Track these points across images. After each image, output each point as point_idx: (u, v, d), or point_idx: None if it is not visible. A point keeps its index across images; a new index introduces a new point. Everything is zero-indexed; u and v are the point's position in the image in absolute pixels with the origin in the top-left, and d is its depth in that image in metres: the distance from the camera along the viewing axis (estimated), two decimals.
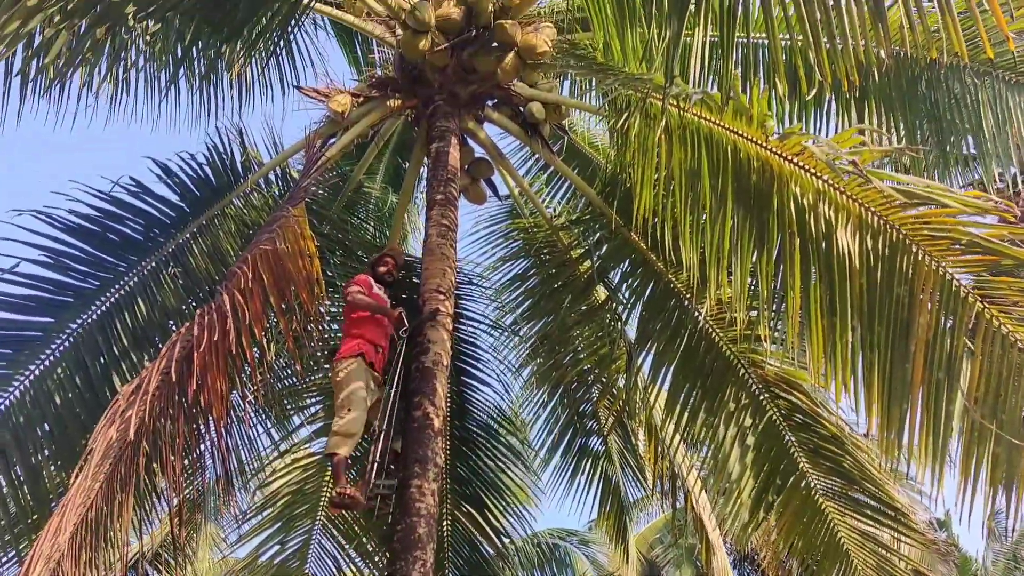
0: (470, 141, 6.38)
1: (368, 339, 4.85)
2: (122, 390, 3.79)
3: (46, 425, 5.19)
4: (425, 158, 5.90)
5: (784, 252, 4.16)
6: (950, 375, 3.40)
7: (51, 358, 5.22)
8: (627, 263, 6.39)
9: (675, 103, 4.31)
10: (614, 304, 6.55)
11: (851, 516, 5.84)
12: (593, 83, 6.33)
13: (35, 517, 5.26)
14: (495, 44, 5.65)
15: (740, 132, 4.23)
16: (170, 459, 4.13)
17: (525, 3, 5.60)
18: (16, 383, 5.12)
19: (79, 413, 5.30)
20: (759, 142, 4.25)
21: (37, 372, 5.20)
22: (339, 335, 6.33)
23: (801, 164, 3.90)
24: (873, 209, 3.63)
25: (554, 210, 7.04)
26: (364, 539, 6.76)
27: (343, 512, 6.72)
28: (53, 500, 5.32)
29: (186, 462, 4.79)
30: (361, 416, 4.53)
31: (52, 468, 5.25)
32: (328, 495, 6.68)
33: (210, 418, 4.33)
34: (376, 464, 4.42)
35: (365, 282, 5.18)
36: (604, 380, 7.17)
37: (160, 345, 5.51)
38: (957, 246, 3.46)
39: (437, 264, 4.96)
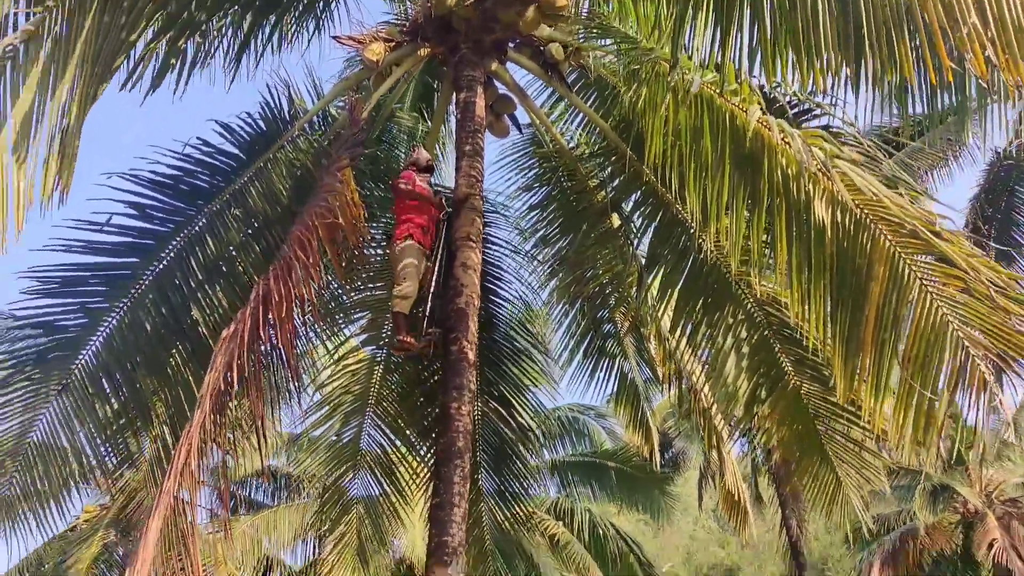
0: (494, 81, 6.88)
1: (416, 223, 5.90)
2: (224, 332, 4.68)
3: (140, 348, 6.15)
4: (452, 107, 6.44)
5: (773, 210, 4.80)
6: (894, 336, 4.12)
7: (139, 292, 6.10)
8: (639, 193, 7.03)
9: (680, 76, 4.83)
10: (627, 230, 7.24)
11: (827, 415, 6.74)
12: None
13: (134, 417, 6.34)
14: None
15: (737, 103, 4.78)
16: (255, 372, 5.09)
17: None
18: (113, 314, 6.03)
19: (164, 336, 6.25)
20: (747, 111, 4.80)
21: (129, 304, 6.11)
22: (379, 255, 7.29)
23: (786, 140, 4.48)
24: (845, 186, 4.23)
25: (573, 141, 7.58)
26: (407, 432, 7.83)
27: (387, 406, 7.87)
28: (150, 405, 6.41)
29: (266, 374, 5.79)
30: (415, 283, 5.70)
31: (146, 381, 6.27)
32: (376, 388, 7.82)
33: (281, 338, 5.27)
34: (427, 317, 5.71)
35: (409, 176, 6.15)
36: (620, 292, 7.96)
37: (228, 276, 6.45)
38: (903, 232, 4.08)
39: (467, 213, 5.66)
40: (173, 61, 4.61)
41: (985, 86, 3.72)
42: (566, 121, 7.66)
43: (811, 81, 4.09)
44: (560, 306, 8.12)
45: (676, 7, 4.71)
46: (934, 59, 3.34)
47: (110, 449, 6.37)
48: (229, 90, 6.22)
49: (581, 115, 7.30)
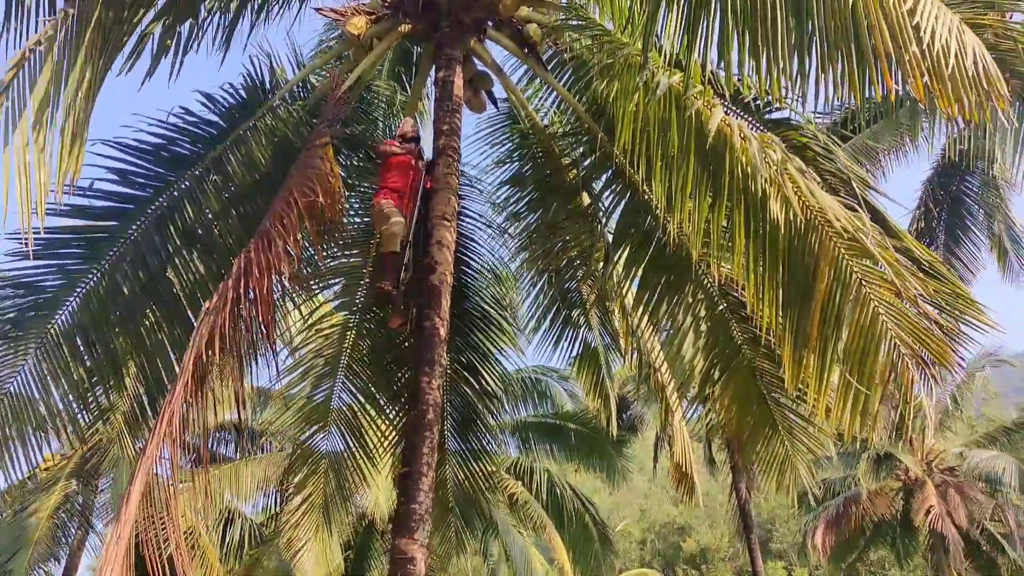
0: (473, 58, 7.02)
1: (393, 188, 6.23)
2: (207, 304, 4.87)
3: (116, 310, 6.29)
4: (431, 80, 6.58)
5: (733, 203, 5.08)
6: (836, 332, 4.46)
7: (117, 255, 6.22)
8: (609, 174, 7.26)
9: (650, 75, 5.04)
10: (596, 208, 7.49)
11: (778, 392, 7.14)
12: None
13: (108, 377, 6.52)
14: None
15: (702, 102, 5.01)
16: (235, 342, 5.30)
17: None
18: (92, 275, 6.15)
19: (140, 298, 6.39)
20: (711, 108, 5.05)
21: (107, 266, 6.23)
22: (355, 223, 7.50)
23: (744, 137, 4.74)
24: (793, 185, 4.52)
25: (548, 118, 7.77)
26: (377, 395, 8.09)
27: (358, 370, 8.13)
28: (122, 364, 6.58)
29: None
30: (400, 223, 6.04)
31: (120, 340, 6.42)
32: (348, 353, 8.08)
33: (261, 309, 5.48)
34: (404, 265, 6.07)
35: (391, 144, 6.47)
36: (587, 265, 8.24)
37: (204, 241, 6.59)
38: (846, 235, 4.38)
39: (443, 192, 5.85)
40: (169, 42, 4.69)
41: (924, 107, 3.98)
42: (541, 98, 7.83)
43: (770, 82, 4.35)
44: (529, 276, 8.39)
45: (648, 5, 4.90)
46: (880, 77, 3.58)
47: (82, 405, 6.55)
48: (220, 67, 6.31)
49: (555, 93, 7.48)
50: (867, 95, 3.86)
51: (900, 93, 3.84)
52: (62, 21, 3.69)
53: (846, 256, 4.39)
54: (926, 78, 3.41)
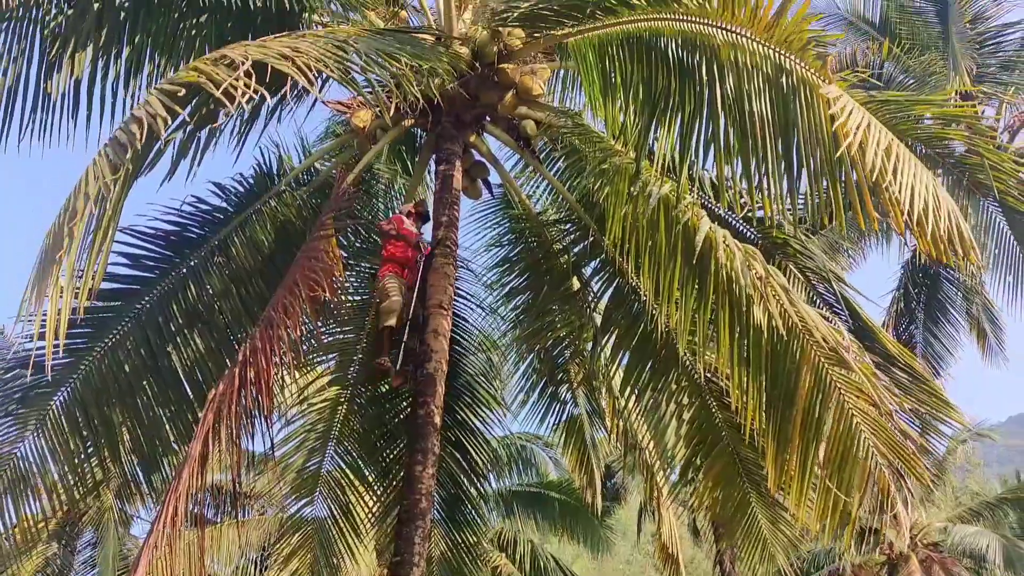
0: (470, 150, 7.36)
1: (399, 261, 6.47)
2: (212, 392, 5.07)
3: (116, 385, 6.45)
4: (431, 175, 6.90)
5: (719, 305, 5.34)
6: (817, 438, 4.68)
7: (122, 333, 6.42)
8: (597, 261, 7.57)
9: (642, 186, 5.36)
10: (586, 292, 7.77)
11: (759, 478, 7.31)
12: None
13: (103, 448, 6.65)
14: (497, 82, 6.57)
15: (691, 210, 5.33)
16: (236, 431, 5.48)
17: (526, 49, 6.46)
18: (96, 353, 6.33)
19: (141, 374, 6.57)
20: (698, 216, 5.37)
21: (111, 344, 6.42)
22: (350, 302, 7.74)
23: (728, 253, 5.03)
24: (776, 298, 4.80)
25: (540, 204, 8.10)
26: (366, 471, 8.20)
27: (348, 445, 8.25)
28: (118, 436, 6.72)
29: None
30: (398, 302, 6.22)
31: (119, 417, 6.58)
32: (339, 428, 8.20)
33: (263, 395, 5.67)
34: (404, 343, 6.18)
35: (398, 219, 6.75)
36: (576, 345, 8.47)
37: (206, 320, 6.81)
38: (826, 345, 4.65)
39: (440, 282, 6.11)
40: (188, 147, 4.99)
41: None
42: (533, 186, 8.18)
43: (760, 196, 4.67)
44: (519, 352, 8.60)
45: (642, 119, 5.25)
46: (862, 205, 3.89)
47: (77, 477, 6.66)
48: (236, 161, 6.64)
49: (548, 183, 7.82)
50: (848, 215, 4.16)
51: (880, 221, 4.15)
52: None
53: (826, 365, 4.65)
54: (905, 217, 3.72)
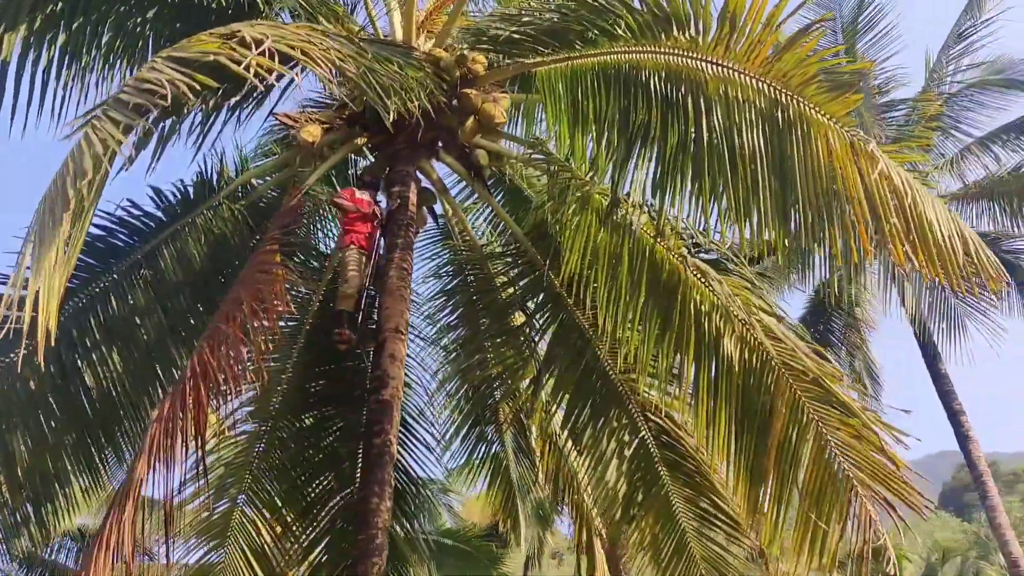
0: (420, 175, 7.16)
1: (360, 232, 6.37)
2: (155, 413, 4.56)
3: (20, 410, 5.74)
4: (386, 198, 6.64)
5: (683, 339, 5.33)
6: (794, 469, 4.71)
7: (28, 348, 5.71)
8: (542, 296, 7.46)
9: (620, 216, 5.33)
10: (529, 327, 7.62)
11: (696, 519, 7.30)
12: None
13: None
14: (458, 106, 6.44)
15: (662, 244, 5.34)
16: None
17: (489, 75, 6.39)
18: None
19: (50, 399, 5.89)
20: (670, 250, 5.38)
21: (11, 360, 5.70)
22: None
23: (706, 283, 5.06)
24: (749, 330, 4.85)
25: (485, 237, 7.96)
26: (284, 511, 7.63)
27: (265, 484, 7.66)
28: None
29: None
30: (355, 282, 6.19)
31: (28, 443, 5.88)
32: (256, 464, 7.62)
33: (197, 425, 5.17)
34: (361, 313, 6.27)
35: (350, 192, 6.56)
36: (508, 384, 8.28)
37: (127, 339, 6.21)
38: (805, 378, 4.74)
39: (397, 305, 5.82)
40: (148, 137, 4.55)
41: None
42: (477, 217, 8.04)
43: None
44: (448, 392, 8.33)
45: (618, 153, 5.24)
46: (857, 239, 4.00)
47: None
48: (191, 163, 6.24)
49: (495, 213, 7.71)
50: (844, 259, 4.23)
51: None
52: None
53: (803, 397, 4.70)
54: (906, 247, 3.84)
